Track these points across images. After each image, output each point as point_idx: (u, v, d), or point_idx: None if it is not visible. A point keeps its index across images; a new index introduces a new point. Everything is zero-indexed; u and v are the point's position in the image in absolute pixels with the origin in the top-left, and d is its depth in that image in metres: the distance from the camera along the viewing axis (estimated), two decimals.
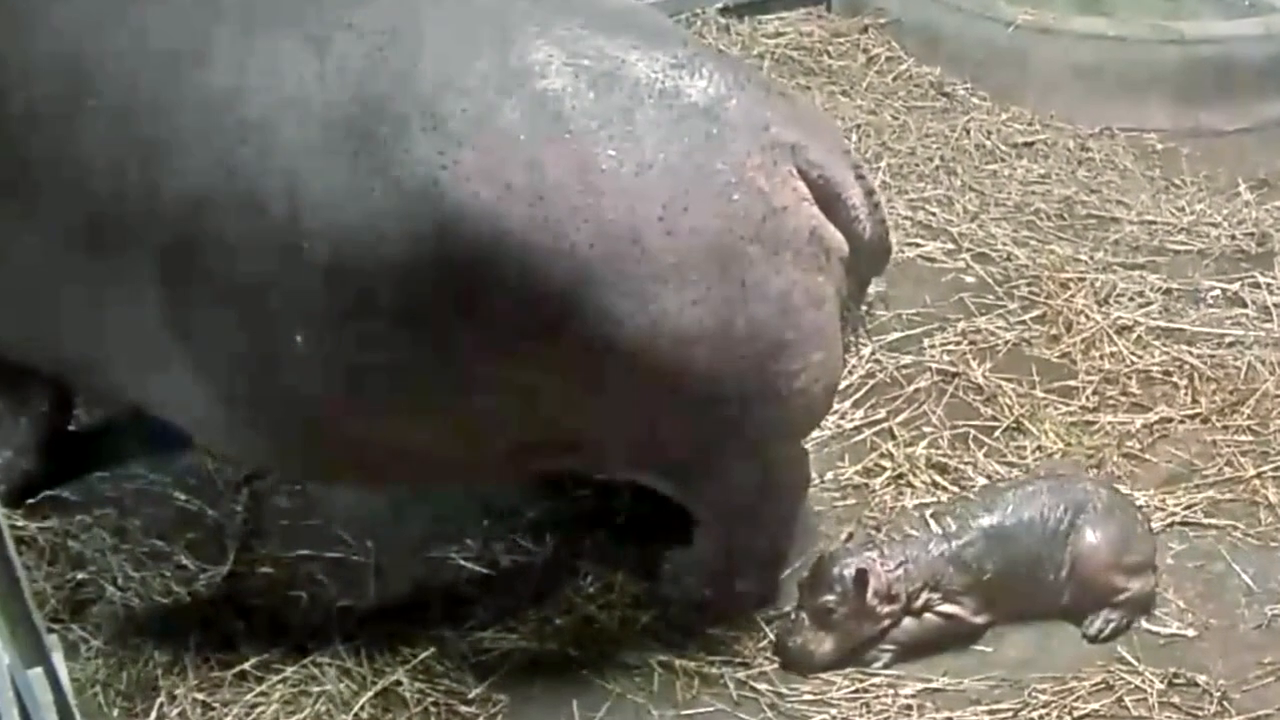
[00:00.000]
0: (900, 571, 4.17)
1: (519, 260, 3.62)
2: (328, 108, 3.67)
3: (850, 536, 4.62)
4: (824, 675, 4.19)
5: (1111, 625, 4.31)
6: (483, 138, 3.61)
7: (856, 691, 4.16)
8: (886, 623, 4.19)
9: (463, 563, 4.54)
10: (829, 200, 3.93)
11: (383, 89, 3.66)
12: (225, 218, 3.72)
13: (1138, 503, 4.65)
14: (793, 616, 4.25)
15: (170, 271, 3.84)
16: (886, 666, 4.23)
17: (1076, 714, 4.12)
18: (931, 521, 4.30)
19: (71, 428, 4.91)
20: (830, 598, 4.13)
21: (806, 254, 3.85)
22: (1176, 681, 4.21)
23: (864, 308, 4.90)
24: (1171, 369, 5.40)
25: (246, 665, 4.18)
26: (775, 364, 3.89)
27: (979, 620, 4.29)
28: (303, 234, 3.67)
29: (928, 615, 4.23)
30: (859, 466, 4.93)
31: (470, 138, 3.61)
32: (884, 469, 4.93)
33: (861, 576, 4.10)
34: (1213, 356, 5.46)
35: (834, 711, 4.12)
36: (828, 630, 4.16)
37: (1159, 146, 6.93)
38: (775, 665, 4.24)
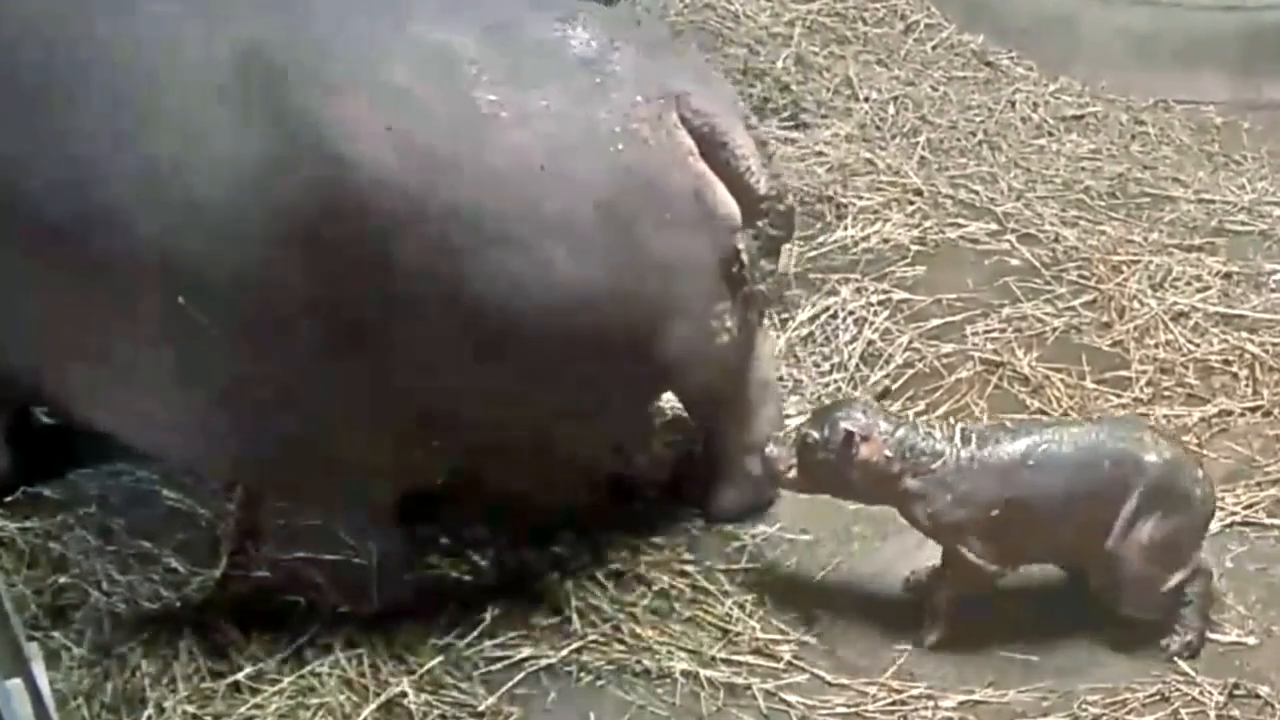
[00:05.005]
0: (890, 450, 4.15)
1: (405, 216, 3.72)
2: (213, 67, 3.79)
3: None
4: (859, 686, 4.18)
5: (1189, 640, 4.24)
6: (364, 87, 3.74)
7: (894, 704, 4.14)
8: (858, 485, 4.22)
9: (471, 566, 4.54)
10: (715, 150, 4.03)
11: (268, 40, 3.79)
12: (116, 188, 3.82)
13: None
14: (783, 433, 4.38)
15: (60, 252, 3.93)
16: (933, 647, 4.25)
17: None
18: (956, 431, 4.22)
19: (51, 421, 4.92)
20: (816, 436, 4.16)
21: (691, 212, 3.98)
22: (1237, 693, 4.18)
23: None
24: (1231, 358, 5.37)
25: (240, 675, 4.18)
26: (661, 322, 4.04)
27: (992, 569, 4.20)
28: (193, 196, 3.77)
29: (933, 567, 4.28)
30: None
31: (351, 87, 3.73)
32: None
33: (850, 439, 4.12)
34: (1275, 345, 5.42)
35: None
36: (804, 463, 4.21)
37: (1218, 120, 6.91)
38: (806, 676, 4.22)
